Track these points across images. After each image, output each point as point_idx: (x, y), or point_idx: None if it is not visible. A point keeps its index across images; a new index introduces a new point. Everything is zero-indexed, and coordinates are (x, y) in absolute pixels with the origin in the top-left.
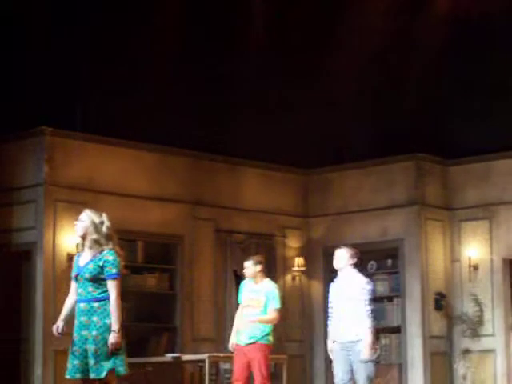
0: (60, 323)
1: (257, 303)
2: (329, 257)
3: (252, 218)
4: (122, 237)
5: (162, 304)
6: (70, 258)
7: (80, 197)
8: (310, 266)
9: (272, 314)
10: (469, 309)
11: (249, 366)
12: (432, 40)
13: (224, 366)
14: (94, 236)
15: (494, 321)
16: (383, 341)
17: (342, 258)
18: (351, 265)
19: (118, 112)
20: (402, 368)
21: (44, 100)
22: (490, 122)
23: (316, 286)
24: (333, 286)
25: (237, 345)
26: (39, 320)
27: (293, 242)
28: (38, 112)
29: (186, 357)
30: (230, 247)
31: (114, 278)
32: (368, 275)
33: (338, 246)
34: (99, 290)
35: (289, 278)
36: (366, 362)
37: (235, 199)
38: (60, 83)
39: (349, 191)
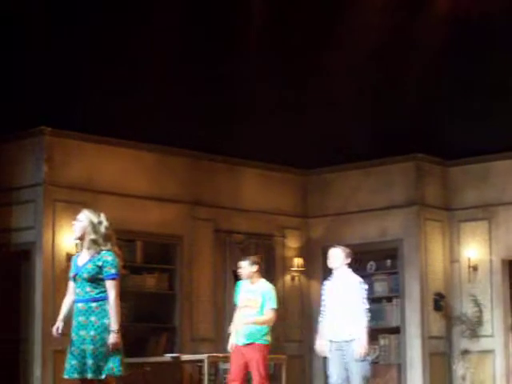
0: (59, 324)
1: (254, 304)
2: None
3: (251, 219)
4: (121, 237)
5: (161, 304)
6: (69, 257)
7: (79, 197)
8: (309, 266)
9: (268, 314)
10: (468, 309)
11: (246, 367)
12: (432, 40)
13: (223, 366)
14: (92, 236)
15: (493, 321)
16: (382, 341)
17: (337, 257)
18: (346, 264)
19: (118, 112)
20: (401, 368)
21: (43, 100)
22: (489, 122)
23: (315, 287)
24: (327, 285)
25: (235, 345)
26: (38, 320)
27: (292, 243)
28: (37, 112)
29: (185, 357)
30: (229, 247)
31: (112, 279)
32: (367, 275)
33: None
34: (97, 290)
35: (288, 278)
36: (362, 361)
37: (234, 199)
38: (59, 83)
39: (348, 191)
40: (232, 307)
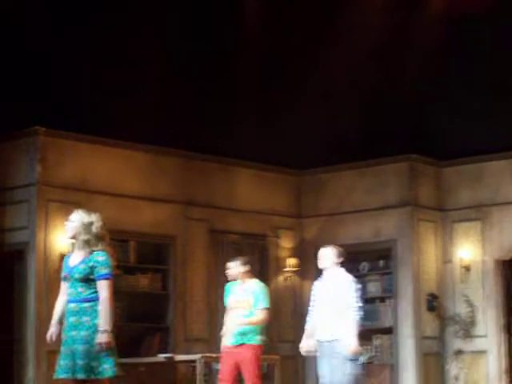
0: (53, 330)
1: (245, 304)
2: None
3: (245, 219)
4: (114, 237)
5: (155, 304)
6: (63, 257)
7: (73, 197)
8: (302, 266)
9: (261, 314)
10: (461, 310)
11: (237, 368)
12: (428, 40)
13: (217, 366)
14: (84, 236)
15: (486, 322)
16: (375, 341)
17: (328, 257)
18: (337, 264)
19: (112, 112)
20: (394, 369)
21: (38, 100)
22: (483, 123)
23: (308, 287)
24: (317, 285)
25: (226, 346)
26: (32, 320)
27: (286, 243)
28: (31, 112)
29: (179, 357)
30: (222, 247)
31: (105, 278)
32: (360, 276)
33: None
34: (89, 291)
35: (281, 278)
36: (352, 360)
37: (228, 200)
38: (54, 83)
39: (342, 192)
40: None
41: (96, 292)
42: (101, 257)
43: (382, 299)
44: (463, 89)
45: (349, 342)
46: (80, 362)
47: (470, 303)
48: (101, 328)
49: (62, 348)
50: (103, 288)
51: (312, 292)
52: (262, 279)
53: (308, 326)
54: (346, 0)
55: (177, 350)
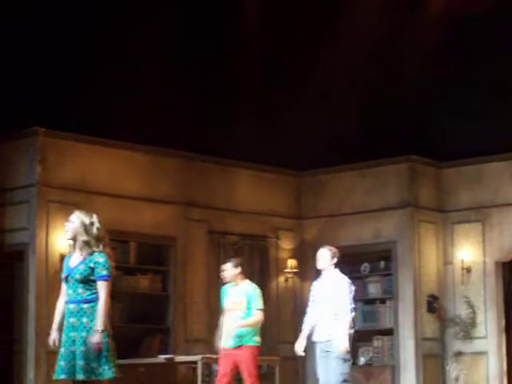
0: (55, 334)
1: (240, 306)
2: None
3: (245, 220)
4: (114, 238)
5: (155, 305)
6: (63, 258)
7: (73, 198)
8: (302, 267)
9: (256, 315)
10: (461, 311)
11: (235, 369)
12: (427, 40)
13: (217, 367)
14: (84, 237)
15: (486, 323)
16: (376, 343)
17: (324, 257)
18: (333, 264)
19: (112, 113)
20: (394, 370)
21: (37, 100)
22: (483, 124)
23: (308, 288)
24: (316, 285)
25: (224, 348)
26: (32, 321)
27: (286, 244)
28: (31, 112)
29: (179, 358)
30: (222, 249)
31: (104, 280)
32: (361, 277)
33: (337, 248)
34: (89, 292)
35: (282, 279)
36: (342, 360)
37: (228, 201)
38: (54, 84)
39: (342, 193)
40: None
41: (96, 293)
42: (101, 258)
43: (383, 300)
44: (463, 90)
45: (340, 341)
46: (80, 363)
47: (470, 304)
48: (96, 328)
49: (62, 349)
50: (101, 289)
51: (311, 292)
52: (262, 280)
53: (305, 327)
54: (345, 0)
55: (177, 351)
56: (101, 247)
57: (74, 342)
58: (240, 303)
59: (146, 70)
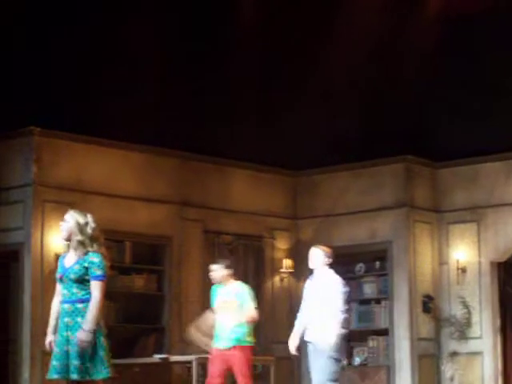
0: (50, 338)
1: (231, 306)
2: None
3: (240, 220)
4: (109, 237)
5: (150, 305)
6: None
7: (68, 197)
8: (298, 267)
9: (252, 313)
10: (457, 311)
11: (227, 371)
12: (425, 41)
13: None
14: (79, 237)
15: (481, 323)
16: (371, 343)
17: (317, 257)
18: (326, 265)
19: (107, 112)
20: (389, 370)
21: (32, 100)
22: (478, 124)
23: None
24: (309, 284)
25: (216, 349)
26: (27, 321)
27: (281, 244)
28: (26, 112)
29: (174, 358)
30: (218, 248)
31: (99, 280)
32: (356, 277)
33: (332, 248)
34: (84, 292)
35: (277, 279)
36: (330, 358)
37: (223, 200)
38: (49, 83)
39: (337, 193)
40: None
41: (90, 293)
42: (95, 258)
43: (378, 301)
44: (459, 90)
45: (329, 341)
46: (74, 363)
47: (465, 305)
48: (84, 326)
49: (55, 348)
50: (95, 289)
51: (304, 291)
52: (258, 280)
53: (296, 324)
54: (345, 0)
55: (172, 350)
56: (95, 247)
57: (68, 341)
58: (231, 303)
59: (146, 70)
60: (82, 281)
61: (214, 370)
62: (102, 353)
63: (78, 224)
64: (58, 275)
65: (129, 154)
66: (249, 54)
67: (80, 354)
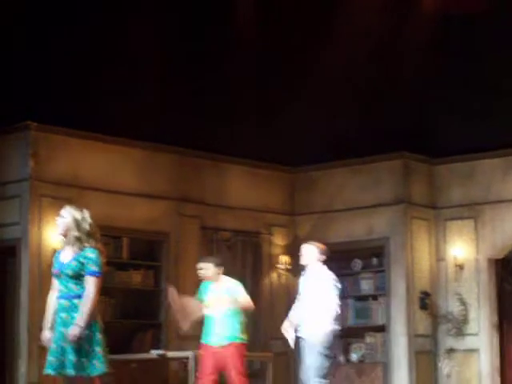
0: (48, 333)
1: (223, 302)
2: None
3: (238, 216)
4: (107, 233)
5: (147, 301)
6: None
7: (65, 192)
8: (295, 263)
9: (246, 301)
10: (454, 308)
11: (219, 368)
12: (422, 38)
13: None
14: (75, 233)
15: (478, 320)
16: (368, 339)
17: (310, 254)
18: (320, 261)
19: (105, 108)
20: (386, 367)
21: (29, 95)
22: (475, 121)
23: None
24: (302, 280)
25: (209, 346)
26: (24, 316)
27: (279, 240)
28: (23, 107)
29: (171, 354)
30: (215, 244)
31: (94, 275)
32: (353, 274)
33: (329, 244)
34: (80, 287)
35: (275, 275)
36: (320, 354)
37: (221, 196)
38: (47, 78)
39: (335, 189)
40: None
41: None
42: (91, 254)
43: (375, 297)
44: (457, 87)
45: (319, 337)
46: (71, 358)
47: (462, 301)
48: (76, 322)
49: (52, 344)
50: (90, 284)
51: (299, 287)
52: (255, 276)
53: (290, 315)
54: (345, 0)
55: (169, 346)
56: (92, 243)
57: (64, 337)
58: (223, 299)
59: (146, 70)
60: (79, 276)
61: (207, 367)
62: (98, 348)
63: (75, 220)
64: (54, 271)
65: (126, 149)
66: (248, 53)
67: (76, 349)
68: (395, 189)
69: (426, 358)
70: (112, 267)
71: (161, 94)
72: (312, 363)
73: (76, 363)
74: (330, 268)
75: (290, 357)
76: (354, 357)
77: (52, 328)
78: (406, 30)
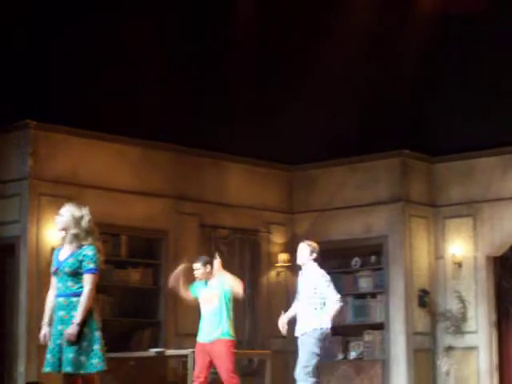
0: (45, 330)
1: (214, 298)
2: None
3: (236, 214)
4: (106, 231)
5: (146, 299)
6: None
7: (64, 191)
8: (294, 261)
9: (237, 283)
10: (452, 306)
11: (210, 364)
12: (422, 38)
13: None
14: (74, 230)
15: (477, 318)
16: (367, 337)
17: (303, 252)
18: (311, 260)
19: (104, 106)
20: (385, 364)
21: (29, 93)
22: (474, 119)
23: None
24: (299, 280)
25: (198, 343)
26: (23, 315)
27: (277, 238)
28: (22, 105)
29: (170, 352)
30: (214, 242)
31: (91, 273)
32: (352, 272)
33: (328, 242)
34: (78, 285)
35: (273, 273)
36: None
37: (220, 194)
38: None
39: (333, 187)
40: None
41: None
42: (89, 251)
43: (374, 295)
44: (456, 86)
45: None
46: (70, 356)
47: (461, 299)
48: (74, 320)
49: (50, 342)
50: (87, 282)
51: (298, 285)
52: (254, 274)
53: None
54: (345, 0)
55: (168, 344)
56: (90, 240)
57: (61, 335)
58: (214, 295)
59: (146, 70)
60: (77, 274)
61: (199, 363)
62: (96, 346)
63: (74, 217)
64: (52, 268)
65: (125, 147)
66: (248, 53)
67: (75, 347)
68: (394, 187)
69: (424, 356)
70: (110, 265)
71: (161, 93)
72: (300, 360)
73: (74, 361)
74: (331, 266)
75: (288, 355)
76: (352, 354)
77: (50, 324)
78: (406, 30)
